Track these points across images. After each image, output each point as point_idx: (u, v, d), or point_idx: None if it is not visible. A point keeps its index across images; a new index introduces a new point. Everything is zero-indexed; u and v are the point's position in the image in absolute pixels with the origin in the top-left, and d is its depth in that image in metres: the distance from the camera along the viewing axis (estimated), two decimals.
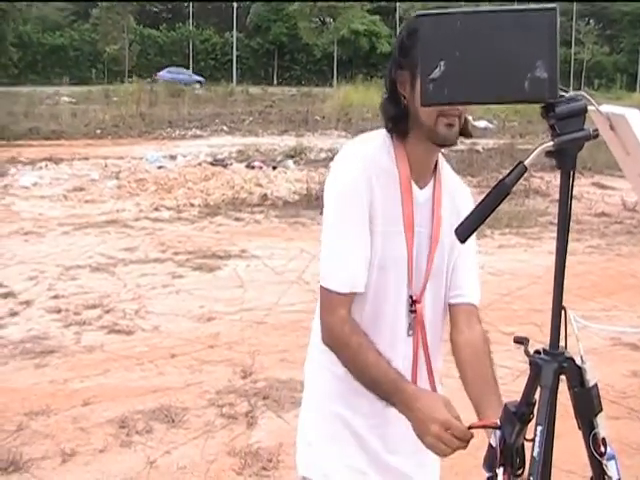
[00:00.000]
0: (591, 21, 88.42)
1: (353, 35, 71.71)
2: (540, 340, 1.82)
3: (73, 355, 5.87)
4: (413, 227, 2.08)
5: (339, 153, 2.10)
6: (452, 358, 2.15)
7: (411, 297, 2.11)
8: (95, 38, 66.11)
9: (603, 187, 14.15)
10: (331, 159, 17.14)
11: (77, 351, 5.95)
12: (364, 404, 2.12)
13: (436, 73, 1.58)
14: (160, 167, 15.09)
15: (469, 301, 2.19)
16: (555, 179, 14.51)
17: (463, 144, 20.18)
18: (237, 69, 71.84)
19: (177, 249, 9.25)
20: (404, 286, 2.10)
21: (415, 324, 2.12)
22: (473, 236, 2.22)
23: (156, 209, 11.78)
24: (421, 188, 2.10)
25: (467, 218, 1.70)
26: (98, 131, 23.27)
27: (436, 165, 2.14)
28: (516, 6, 1.60)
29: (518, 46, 1.56)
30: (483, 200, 1.70)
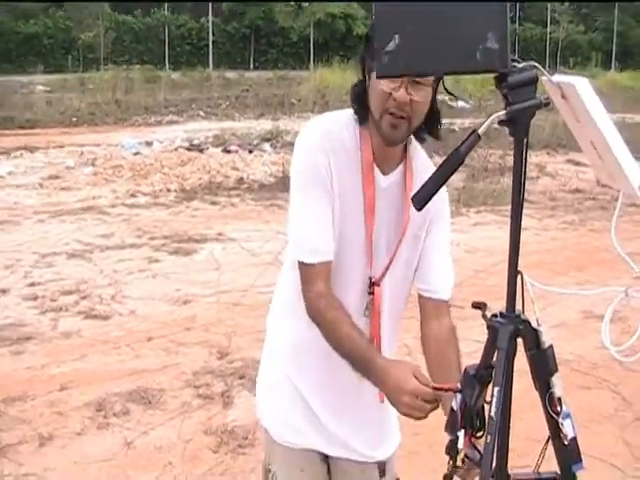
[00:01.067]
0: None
1: (329, 18, 71.49)
2: None
3: (50, 341, 5.87)
4: (374, 211, 2.08)
5: (303, 127, 2.10)
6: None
7: (370, 279, 2.13)
8: (69, 25, 65.47)
9: (577, 164, 14.22)
10: None
11: (54, 337, 5.95)
12: (314, 372, 2.20)
13: (390, 46, 1.62)
14: (136, 153, 15.01)
15: (439, 297, 2.20)
16: (530, 157, 14.64)
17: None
18: (213, 54, 71.43)
19: (153, 234, 9.24)
20: (362, 267, 2.12)
21: (372, 306, 2.13)
22: (448, 227, 2.27)
23: (132, 195, 11.74)
24: (385, 174, 2.09)
25: (423, 187, 1.74)
26: (74, 119, 23.04)
27: (406, 152, 2.13)
28: None
29: (469, 19, 1.61)
30: (439, 168, 1.74)
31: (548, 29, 79.18)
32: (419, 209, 1.75)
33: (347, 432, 2.25)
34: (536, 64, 1.71)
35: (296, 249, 2.07)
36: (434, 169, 2.21)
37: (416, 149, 2.17)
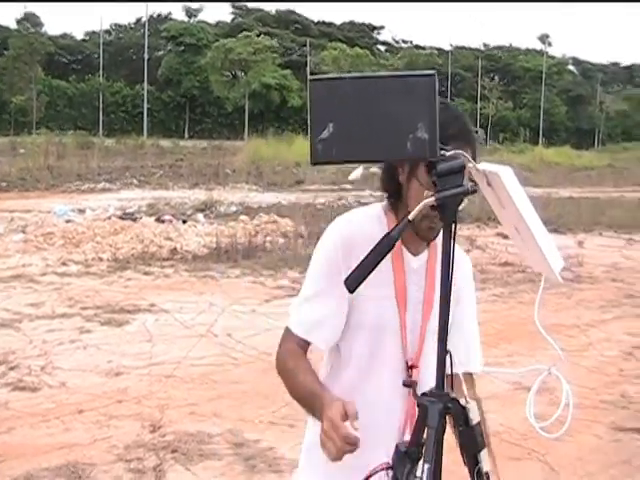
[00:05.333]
0: (495, 77, 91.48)
1: (264, 89, 72.40)
2: None
3: None
4: (405, 293, 2.13)
5: (337, 219, 2.16)
6: None
7: (407, 362, 2.15)
8: (1, 88, 64.93)
9: (506, 237, 14.51)
10: (242, 212, 17.21)
11: None
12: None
13: (325, 134, 1.70)
14: (68, 221, 14.87)
15: (467, 370, 2.21)
16: (461, 230, 14.92)
17: None
18: (148, 122, 71.49)
19: (85, 304, 9.13)
20: (399, 351, 2.14)
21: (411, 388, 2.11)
22: (473, 301, 2.33)
23: (64, 263, 11.60)
24: (414, 255, 2.15)
25: (356, 269, 1.80)
26: (4, 184, 22.82)
27: None
28: (399, 72, 1.73)
29: (401, 108, 1.68)
30: (371, 251, 1.80)
31: (478, 105, 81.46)
32: (351, 291, 1.81)
33: None
34: (463, 152, 1.81)
35: (291, 318, 2.13)
36: (457, 249, 2.24)
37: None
